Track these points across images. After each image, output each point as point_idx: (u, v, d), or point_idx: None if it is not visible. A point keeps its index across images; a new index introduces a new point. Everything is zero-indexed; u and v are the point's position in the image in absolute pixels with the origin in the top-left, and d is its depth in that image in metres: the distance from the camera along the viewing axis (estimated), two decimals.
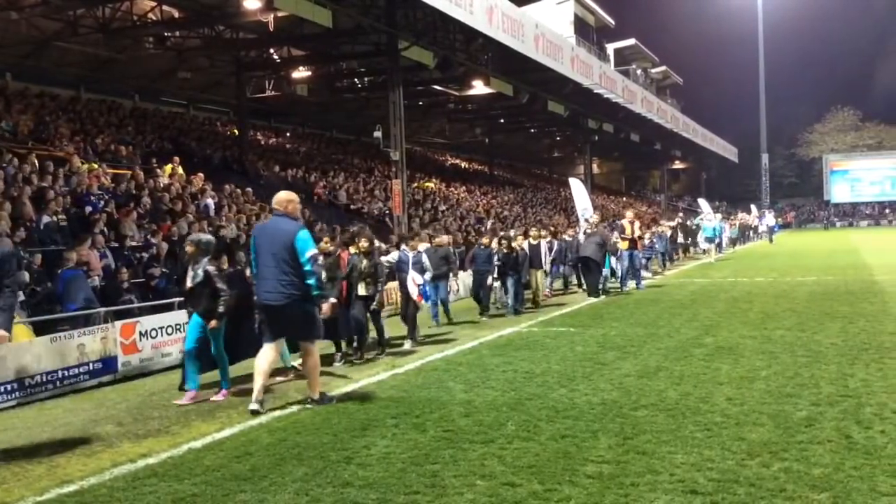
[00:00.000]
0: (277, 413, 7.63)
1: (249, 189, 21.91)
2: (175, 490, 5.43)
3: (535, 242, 16.87)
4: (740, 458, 5.50)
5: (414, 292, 11.62)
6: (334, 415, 7.40)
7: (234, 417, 7.57)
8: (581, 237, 18.79)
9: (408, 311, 11.92)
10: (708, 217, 33.83)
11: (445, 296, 14.06)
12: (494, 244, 15.37)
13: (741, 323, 12.27)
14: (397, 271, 12.27)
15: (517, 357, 10.10)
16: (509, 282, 15.17)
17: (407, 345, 11.51)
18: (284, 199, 7.82)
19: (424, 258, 12.22)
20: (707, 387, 7.79)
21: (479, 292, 15.11)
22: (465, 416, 7.07)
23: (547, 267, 17.74)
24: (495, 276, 15.13)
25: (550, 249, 17.77)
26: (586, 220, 21.16)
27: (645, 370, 8.79)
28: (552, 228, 22.07)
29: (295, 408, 7.84)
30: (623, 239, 18.75)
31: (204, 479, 5.63)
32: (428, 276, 12.16)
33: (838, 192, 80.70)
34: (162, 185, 18.49)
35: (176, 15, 23.09)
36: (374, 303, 10.62)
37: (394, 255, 12.32)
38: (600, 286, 17.84)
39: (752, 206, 57.18)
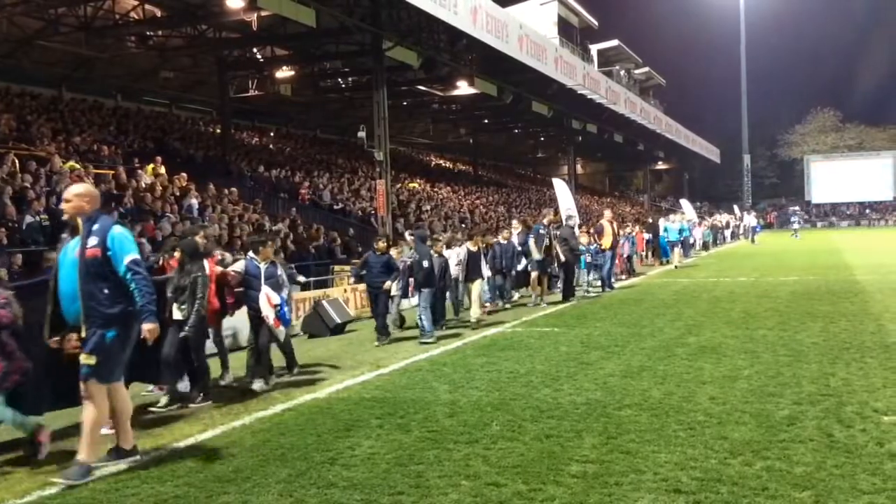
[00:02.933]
0: (260, 414, 7.61)
1: (234, 189, 21.83)
2: (158, 492, 5.40)
3: (474, 249, 13.97)
4: (723, 457, 5.54)
5: (269, 315, 8.92)
6: (318, 416, 7.38)
7: (217, 419, 7.54)
8: (515, 240, 16.80)
9: (258, 340, 9.14)
10: (671, 218, 30.49)
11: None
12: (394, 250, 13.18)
13: (724, 322, 12.34)
14: (245, 288, 9.24)
15: (501, 357, 10.11)
16: (422, 298, 12.16)
17: (256, 385, 8.91)
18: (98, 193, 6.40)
19: (280, 271, 9.51)
20: (690, 386, 7.83)
21: (374, 310, 12.57)
22: (449, 416, 7.08)
23: (487, 275, 14.88)
24: (398, 289, 13.03)
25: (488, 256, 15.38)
26: (541, 221, 17.58)
27: (629, 370, 8.83)
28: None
29: (279, 408, 7.82)
30: (602, 245, 18.65)
31: (187, 480, 5.61)
32: (286, 293, 9.43)
33: (819, 192, 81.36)
34: (144, 185, 18.38)
35: (158, 14, 22.97)
36: (188, 328, 8.06)
37: (239, 265, 9.37)
38: (576, 287, 17.50)
39: (735, 207, 57.54)
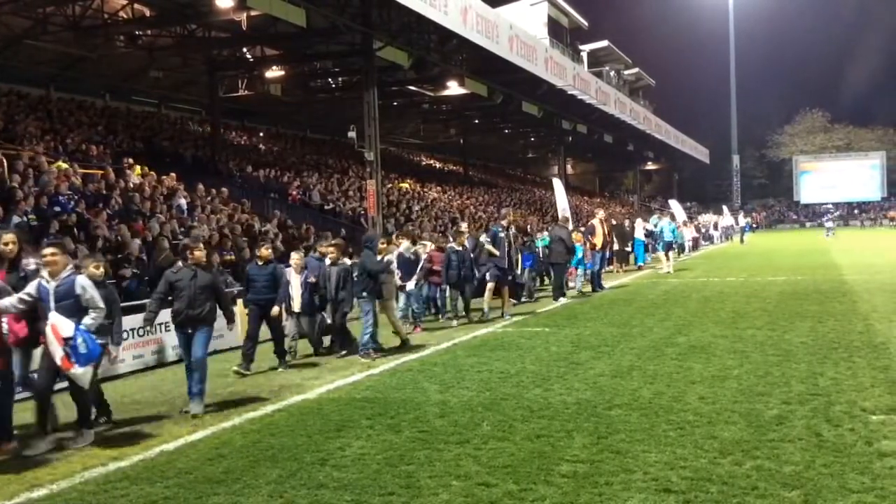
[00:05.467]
0: (251, 415, 7.59)
1: (225, 189, 21.74)
2: (147, 493, 5.38)
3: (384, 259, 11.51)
4: (713, 457, 5.55)
5: (56, 352, 6.55)
6: (309, 416, 7.37)
7: (207, 420, 7.51)
8: (467, 243, 14.67)
9: (44, 385, 6.86)
10: (637, 221, 27.11)
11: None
12: (296, 259, 11.40)
13: (713, 322, 12.38)
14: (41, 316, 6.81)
15: (492, 357, 10.12)
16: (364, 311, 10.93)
17: (40, 447, 6.63)
18: None
19: (84, 285, 6.83)
20: (680, 386, 7.86)
21: (254, 335, 10.24)
22: (440, 416, 7.07)
23: (409, 286, 13.25)
24: (294, 308, 11.09)
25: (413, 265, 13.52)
26: (499, 222, 15.70)
27: (619, 370, 8.85)
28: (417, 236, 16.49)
29: (269, 409, 7.79)
30: (591, 243, 18.60)
31: (176, 481, 5.59)
32: (91, 319, 6.77)
33: (807, 192, 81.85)
34: (133, 185, 18.30)
35: (147, 13, 22.87)
36: None
37: (31, 287, 6.73)
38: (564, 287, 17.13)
39: (724, 207, 57.73)
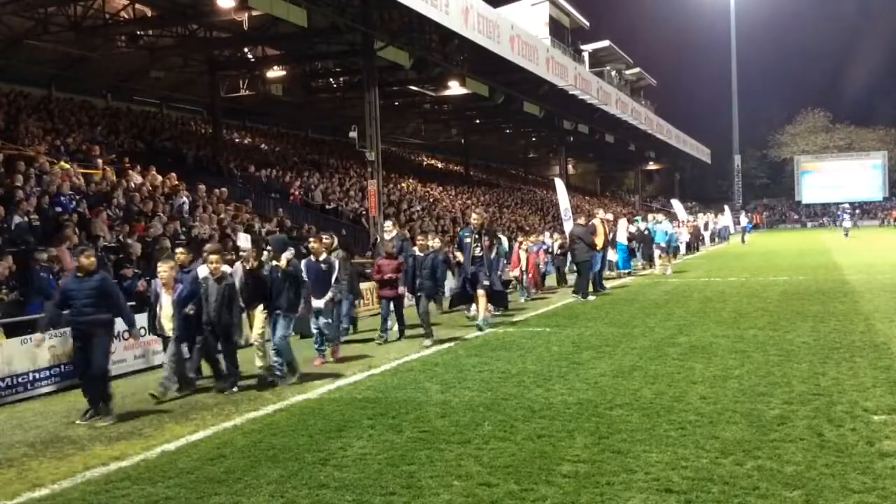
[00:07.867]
0: (252, 415, 7.59)
1: (224, 189, 21.74)
2: (148, 493, 5.38)
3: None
4: (714, 457, 5.55)
5: None
6: (310, 416, 7.37)
7: (209, 419, 7.52)
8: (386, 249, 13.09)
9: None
10: (621, 227, 23.77)
11: None
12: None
13: (714, 322, 12.37)
14: None
15: (493, 357, 10.12)
16: (280, 325, 9.26)
17: None
18: None
19: None
20: (681, 386, 7.85)
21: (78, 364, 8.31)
22: (441, 416, 7.07)
23: (318, 303, 10.49)
24: (165, 332, 9.23)
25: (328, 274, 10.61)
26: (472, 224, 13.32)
27: (620, 370, 8.84)
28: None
29: (270, 409, 7.80)
30: (593, 243, 18.57)
31: (178, 481, 5.59)
32: None
33: (809, 192, 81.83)
34: (134, 185, 18.30)
35: (149, 13, 22.88)
36: None
37: None
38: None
39: (726, 207, 57.65)
